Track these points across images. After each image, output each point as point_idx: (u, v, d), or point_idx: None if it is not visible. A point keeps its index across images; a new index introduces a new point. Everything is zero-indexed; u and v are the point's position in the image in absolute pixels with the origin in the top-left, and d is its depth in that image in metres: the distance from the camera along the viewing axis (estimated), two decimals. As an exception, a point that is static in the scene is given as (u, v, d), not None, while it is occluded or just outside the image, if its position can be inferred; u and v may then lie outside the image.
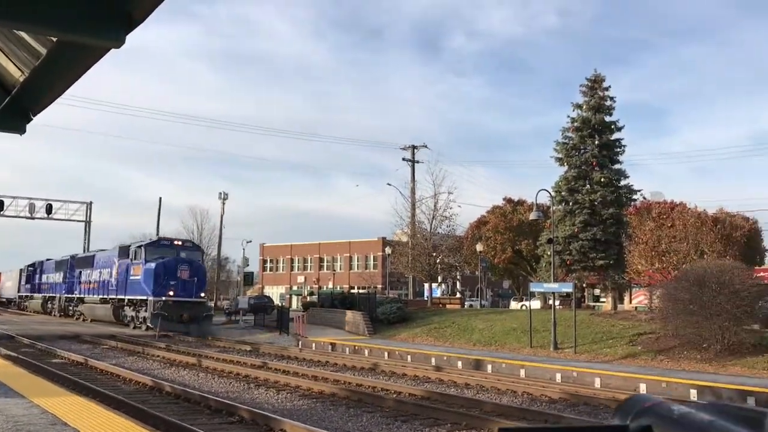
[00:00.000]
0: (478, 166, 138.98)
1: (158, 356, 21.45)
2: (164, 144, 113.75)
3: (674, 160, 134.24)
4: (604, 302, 42.31)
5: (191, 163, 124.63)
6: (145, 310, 32.00)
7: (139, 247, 34.18)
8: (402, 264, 45.77)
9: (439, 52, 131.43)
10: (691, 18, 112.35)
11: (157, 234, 49.92)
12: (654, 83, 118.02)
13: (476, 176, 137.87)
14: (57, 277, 47.05)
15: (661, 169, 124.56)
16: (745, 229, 29.94)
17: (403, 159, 47.69)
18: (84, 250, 52.37)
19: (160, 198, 55.89)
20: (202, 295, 33.28)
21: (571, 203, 33.96)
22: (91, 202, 60.27)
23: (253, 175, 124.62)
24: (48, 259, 51.24)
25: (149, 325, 31.27)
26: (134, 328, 33.21)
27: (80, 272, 42.56)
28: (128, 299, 34.00)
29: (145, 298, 32.08)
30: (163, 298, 31.07)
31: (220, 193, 55.96)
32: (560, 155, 35.22)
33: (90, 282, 40.32)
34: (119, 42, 2.39)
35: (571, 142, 35.00)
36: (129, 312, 34.17)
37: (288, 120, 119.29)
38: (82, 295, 41.64)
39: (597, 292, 43.83)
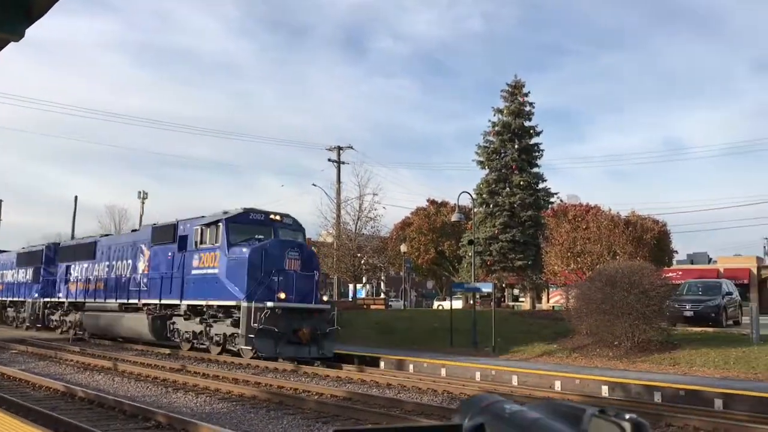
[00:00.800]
0: (402, 168, 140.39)
1: (71, 360, 20.69)
2: (81, 140, 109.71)
3: (590, 164, 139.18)
4: (522, 302, 43.48)
5: (110, 160, 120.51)
6: (232, 323, 20.40)
7: (214, 224, 21.75)
8: (326, 265, 45.65)
9: (365, 53, 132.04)
10: (609, 26, 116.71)
11: (73, 235, 47.79)
12: (572, 88, 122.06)
13: (401, 178, 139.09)
14: (22, 275, 35.21)
15: (578, 172, 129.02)
16: (655, 231, 31.29)
17: (329, 160, 47.56)
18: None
19: (76, 197, 53.86)
20: (325, 298, 22.80)
21: (491, 205, 34.74)
22: (0, 201, 57.66)
23: (175, 173, 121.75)
24: (1, 251, 40.14)
25: (244, 347, 19.80)
26: (192, 349, 22.46)
27: (68, 267, 30.84)
28: (188, 305, 22.16)
29: (232, 303, 20.36)
30: (269, 304, 19.46)
31: (140, 192, 54.52)
32: (482, 158, 36.00)
33: (92, 280, 28.47)
34: (18, 35, 2.30)
35: (492, 145, 35.83)
36: (187, 325, 22.38)
37: (212, 118, 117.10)
38: (77, 299, 29.45)
39: (516, 291, 45.02)
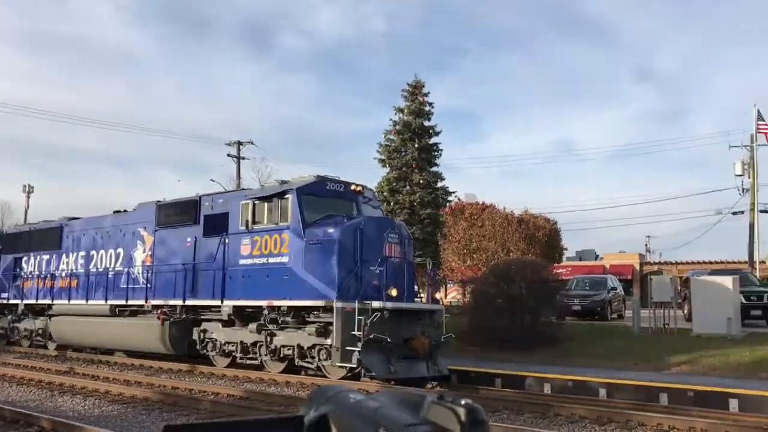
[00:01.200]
0: (306, 165, 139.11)
1: (-55, 365, 19.36)
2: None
3: (487, 164, 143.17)
4: (421, 297, 44.14)
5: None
6: (316, 331, 14.95)
7: (277, 196, 16.21)
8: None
9: (270, 49, 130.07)
10: (509, 29, 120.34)
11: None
12: (472, 89, 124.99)
13: (304, 175, 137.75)
14: None
15: (475, 172, 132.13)
16: (547, 229, 32.53)
17: (228, 155, 46.67)
18: None
19: (-48, 190, 50.11)
20: (438, 296, 17.28)
21: (392, 203, 35.10)
22: None
23: (66, 167, 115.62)
24: None
25: (339, 364, 14.46)
26: (232, 365, 17.36)
27: (17, 260, 24.72)
28: (235, 307, 16.69)
29: (318, 303, 14.92)
30: (376, 305, 14.41)
31: (25, 186, 51.72)
32: (383, 157, 36.32)
33: (58, 276, 22.66)
34: None
35: (393, 144, 36.22)
36: (229, 334, 17.12)
37: (107, 111, 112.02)
38: (38, 301, 23.25)
39: (415, 288, 45.75)
